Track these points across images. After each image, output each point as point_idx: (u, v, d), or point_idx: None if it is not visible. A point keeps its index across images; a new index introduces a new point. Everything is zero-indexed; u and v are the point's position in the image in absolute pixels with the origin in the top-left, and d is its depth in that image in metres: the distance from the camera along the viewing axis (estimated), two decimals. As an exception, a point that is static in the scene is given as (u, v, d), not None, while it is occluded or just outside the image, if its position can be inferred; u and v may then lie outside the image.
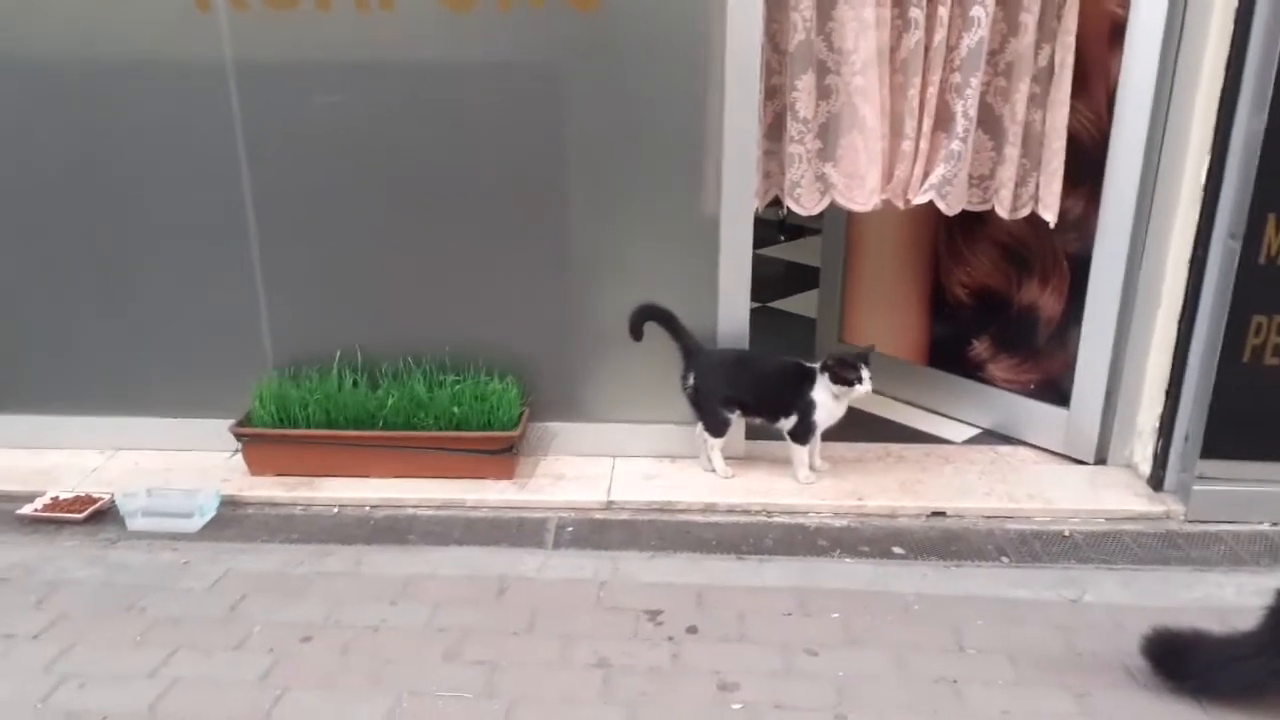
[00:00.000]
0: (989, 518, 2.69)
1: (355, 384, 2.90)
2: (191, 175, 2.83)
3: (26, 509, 2.72)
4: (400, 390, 2.86)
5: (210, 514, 2.70)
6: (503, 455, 2.84)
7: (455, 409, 2.83)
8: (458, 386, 2.87)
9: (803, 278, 4.68)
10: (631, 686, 2.05)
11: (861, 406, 3.32)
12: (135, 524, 2.65)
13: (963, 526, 2.66)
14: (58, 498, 2.77)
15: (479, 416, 2.84)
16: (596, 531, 2.66)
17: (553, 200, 2.81)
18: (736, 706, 2.00)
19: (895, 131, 2.74)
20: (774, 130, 2.82)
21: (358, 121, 2.77)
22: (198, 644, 2.19)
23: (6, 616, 2.29)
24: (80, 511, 2.69)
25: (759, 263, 2.87)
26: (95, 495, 2.76)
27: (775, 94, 2.78)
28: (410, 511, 2.76)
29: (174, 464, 2.95)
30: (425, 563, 2.51)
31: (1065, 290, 2.91)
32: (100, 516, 2.71)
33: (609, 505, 2.77)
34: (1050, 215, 2.75)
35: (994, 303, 3.09)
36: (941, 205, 2.73)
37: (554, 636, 2.21)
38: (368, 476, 2.85)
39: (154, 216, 2.87)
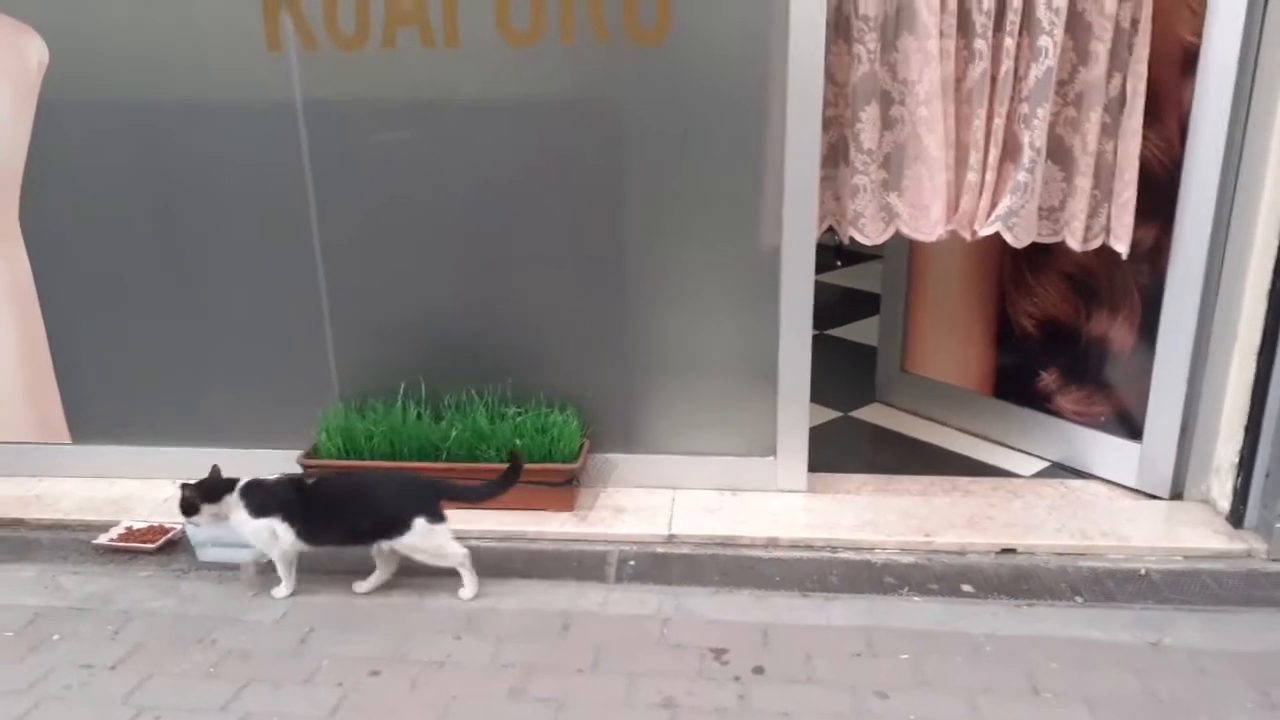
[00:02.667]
0: (1060, 555, 2.63)
1: (419, 416, 2.93)
2: (261, 212, 2.89)
3: (102, 539, 2.79)
4: (463, 422, 2.88)
5: (278, 545, 2.73)
6: (563, 487, 2.85)
7: (517, 440, 2.84)
8: (519, 418, 2.88)
9: (862, 304, 4.64)
10: (699, 727, 2.04)
11: (926, 438, 3.31)
12: (205, 555, 2.70)
13: (1033, 564, 2.60)
14: (131, 528, 2.83)
15: (540, 448, 2.85)
16: (658, 566, 2.65)
17: (613, 232, 2.82)
18: (806, 751, 1.97)
19: (961, 163, 2.71)
20: (829, 160, 2.80)
21: (422, 157, 2.81)
22: (268, 677, 2.22)
23: (86, 646, 2.34)
24: (153, 541, 2.75)
25: (816, 289, 2.84)
26: (167, 525, 2.82)
27: (830, 125, 2.77)
28: (472, 543, 2.75)
29: (243, 494, 3.00)
30: (488, 596, 2.52)
31: (1137, 322, 2.84)
32: (172, 546, 2.77)
33: (670, 539, 2.76)
34: (1122, 247, 2.70)
35: (1062, 334, 3.03)
36: (1008, 237, 2.69)
37: (619, 674, 2.20)
38: (431, 508, 2.87)
39: (224, 252, 2.95)
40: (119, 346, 3.06)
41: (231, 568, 2.65)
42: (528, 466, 2.79)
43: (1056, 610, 2.41)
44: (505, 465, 2.78)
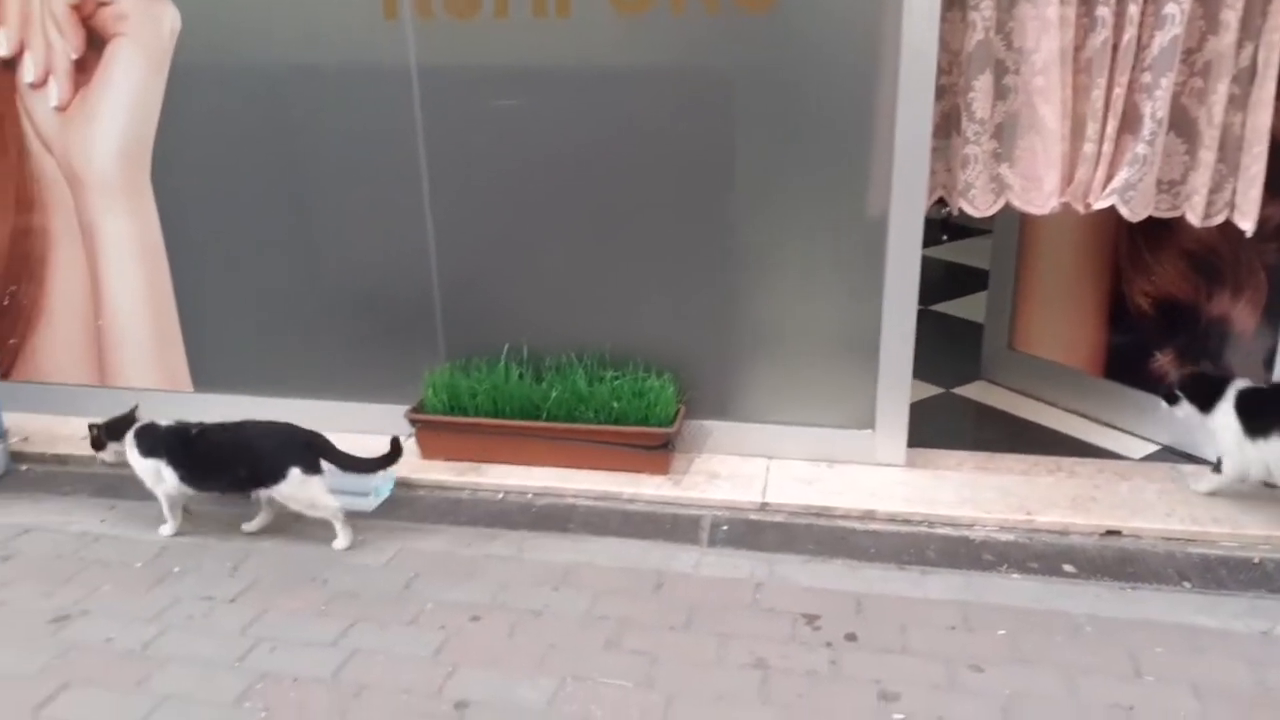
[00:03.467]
0: (1169, 539, 2.55)
1: (521, 376, 3.00)
2: (375, 174, 2.98)
3: (223, 482, 2.94)
4: (563, 384, 2.94)
5: (385, 494, 2.85)
6: (659, 451, 2.88)
7: (614, 403, 2.89)
8: (617, 382, 2.93)
9: (967, 280, 4.54)
10: (789, 689, 2.05)
11: (1031, 417, 3.24)
12: (318, 501, 2.82)
13: (1139, 547, 2.53)
14: (249, 473, 2.97)
15: (637, 412, 2.89)
16: (751, 532, 2.67)
17: (717, 200, 2.83)
18: (898, 717, 1.97)
19: (1077, 133, 2.62)
20: (940, 130, 2.75)
21: (530, 124, 2.86)
22: (374, 618, 2.32)
23: (207, 580, 2.49)
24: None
25: (921, 264, 2.80)
26: (282, 472, 2.95)
27: (944, 94, 2.71)
28: (569, 501, 2.84)
29: (352, 446, 3.10)
30: (584, 552, 2.57)
31: (1261, 303, 2.72)
32: (286, 492, 2.90)
33: (764, 507, 2.77)
34: (1248, 224, 2.58)
35: (1180, 314, 2.92)
36: (1124, 211, 2.60)
37: (711, 634, 2.23)
38: (530, 465, 2.94)
39: (339, 213, 3.05)
40: (239, 301, 3.21)
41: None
42: (624, 429, 2.85)
43: (1163, 595, 2.34)
44: (602, 427, 2.85)
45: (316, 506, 2.60)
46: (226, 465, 2.62)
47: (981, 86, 2.62)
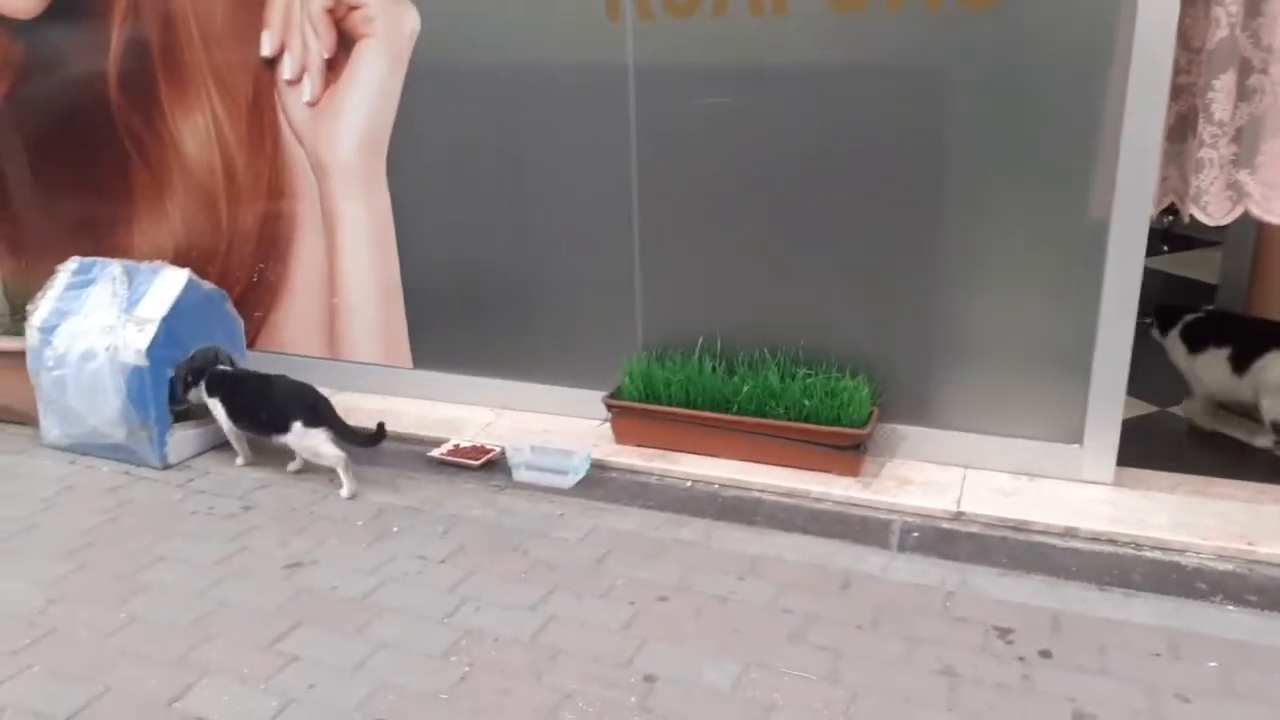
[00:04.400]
0: None
1: (714, 369, 3.06)
2: (588, 170, 3.12)
3: (435, 452, 3.16)
4: (755, 379, 2.98)
5: (582, 474, 2.98)
6: (850, 452, 2.87)
7: (806, 401, 2.90)
8: (810, 380, 2.94)
9: (1188, 293, 4.24)
10: (978, 699, 2.02)
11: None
12: (520, 475, 2.99)
13: (1381, 590, 2.32)
14: (458, 445, 3.19)
15: (829, 411, 2.89)
16: (943, 540, 2.62)
17: (925, 200, 2.79)
18: (1094, 739, 1.90)
19: (1330, 137, 2.43)
20: (1175, 132, 2.61)
21: (740, 122, 2.91)
22: (570, 587, 2.44)
23: (420, 541, 2.69)
24: (476, 459, 3.09)
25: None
26: (488, 446, 3.15)
27: (1181, 94, 2.57)
28: (756, 495, 2.88)
29: (552, 426, 3.29)
30: (771, 545, 2.61)
31: None
32: (491, 465, 3.09)
33: (958, 516, 2.71)
34: None
35: None
36: (1384, 223, 2.39)
37: (898, 637, 2.22)
38: (718, 456, 3.00)
39: (553, 205, 3.21)
40: (457, 286, 3.43)
41: (542, 489, 2.93)
42: (814, 427, 2.86)
43: (1407, 643, 2.14)
44: (793, 424, 2.87)
45: (319, 455, 2.97)
46: (252, 410, 3.08)
47: (1223, 86, 2.47)
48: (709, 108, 2.94)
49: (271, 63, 3.43)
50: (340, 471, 2.96)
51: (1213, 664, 2.10)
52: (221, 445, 3.29)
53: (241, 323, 3.39)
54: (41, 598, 2.49)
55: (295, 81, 3.42)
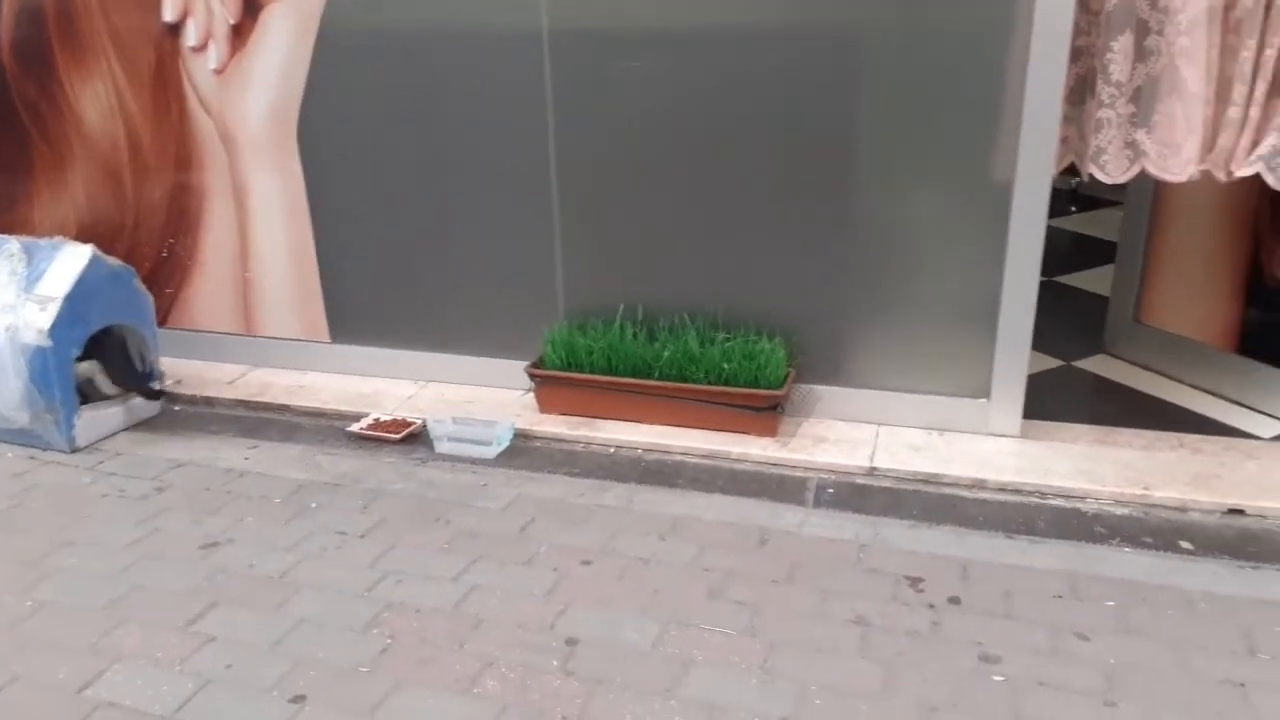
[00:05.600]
0: (1298, 522, 2.46)
1: (635, 336, 3.08)
2: (504, 136, 3.09)
3: (354, 427, 3.13)
4: (675, 344, 3.01)
5: (505, 444, 2.98)
6: (767, 413, 2.92)
7: (725, 365, 2.94)
8: (728, 344, 2.97)
9: (1096, 252, 4.39)
10: (890, 646, 2.09)
11: (1155, 393, 3.14)
12: (442, 447, 2.98)
13: (1264, 528, 2.45)
14: (379, 419, 3.16)
15: (747, 374, 2.93)
16: (857, 495, 2.69)
17: (836, 164, 2.83)
18: (998, 678, 1.98)
19: (1221, 97, 2.52)
20: (1074, 94, 2.68)
21: (653, 86, 2.91)
22: (493, 556, 2.45)
23: (340, 516, 2.66)
24: (397, 433, 3.07)
25: (1048, 234, 2.74)
26: (410, 420, 3.13)
27: (1080, 56, 2.64)
28: (678, 458, 2.91)
29: (475, 397, 3.28)
30: (691, 506, 2.65)
31: None
32: (413, 439, 3.07)
33: (871, 471, 2.78)
34: (1405, 192, 2.44)
35: (1324, 288, 2.79)
36: (1270, 179, 2.49)
37: (813, 590, 2.28)
38: (641, 422, 3.03)
39: (469, 174, 3.18)
40: (374, 257, 3.38)
41: (465, 460, 2.92)
42: (733, 390, 2.90)
43: (1288, 577, 2.27)
44: (712, 387, 2.91)
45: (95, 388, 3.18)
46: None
47: (1120, 47, 2.54)
48: (625, 72, 2.93)
49: (175, 29, 3.32)
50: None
51: (1110, 603, 2.20)
52: (133, 427, 3.22)
53: (151, 299, 3.29)
54: (-56, 588, 2.41)
55: (200, 48, 3.31)
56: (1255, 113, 2.49)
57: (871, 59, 2.71)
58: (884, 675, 2.00)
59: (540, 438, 3.04)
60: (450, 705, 1.96)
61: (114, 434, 3.18)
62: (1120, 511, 2.55)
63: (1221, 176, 2.58)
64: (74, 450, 3.07)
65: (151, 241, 3.61)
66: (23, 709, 2.01)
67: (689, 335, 3.01)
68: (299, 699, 2.00)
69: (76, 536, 2.61)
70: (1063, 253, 4.51)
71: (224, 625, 2.24)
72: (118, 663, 2.13)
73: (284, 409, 3.32)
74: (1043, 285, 2.75)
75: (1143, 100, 2.60)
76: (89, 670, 2.11)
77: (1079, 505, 2.58)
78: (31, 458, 3.05)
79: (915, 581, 2.30)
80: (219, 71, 3.31)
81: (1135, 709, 1.89)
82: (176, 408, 3.38)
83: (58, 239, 3.17)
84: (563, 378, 3.08)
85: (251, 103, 3.31)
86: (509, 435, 3.01)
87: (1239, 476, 2.63)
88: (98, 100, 3.49)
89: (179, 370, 3.53)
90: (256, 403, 3.35)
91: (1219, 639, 2.06)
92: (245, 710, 1.98)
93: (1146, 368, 3.29)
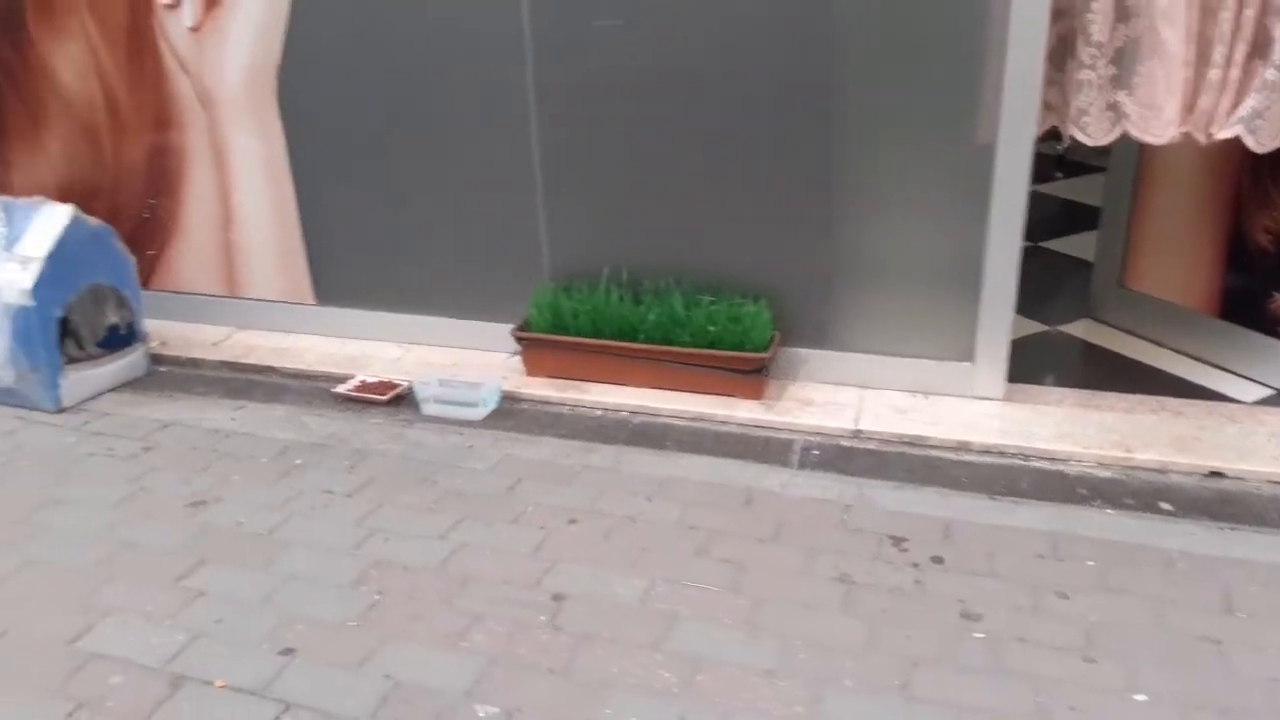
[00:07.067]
0: (1276, 483, 2.49)
1: (620, 299, 3.07)
2: (484, 94, 3.06)
3: (340, 388, 3.13)
4: (661, 307, 3.01)
5: (492, 406, 2.99)
6: (753, 376, 2.93)
7: (710, 328, 2.95)
8: (714, 307, 2.98)
9: (1081, 217, 4.40)
10: (872, 603, 2.11)
11: (1138, 357, 3.17)
12: (428, 409, 2.98)
13: (1243, 489, 2.49)
14: (365, 381, 3.16)
15: (732, 337, 2.94)
16: (842, 457, 2.71)
17: (818, 126, 2.82)
18: (979, 635, 2.01)
19: (1202, 59, 2.52)
20: (1056, 57, 2.67)
21: (633, 44, 2.88)
22: (480, 515, 2.46)
23: (327, 476, 2.67)
24: (383, 394, 3.07)
25: (1033, 200, 2.76)
26: (396, 381, 3.13)
27: (1060, 16, 2.63)
28: (664, 420, 2.92)
29: (461, 360, 3.28)
30: (677, 467, 2.67)
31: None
32: (399, 400, 3.07)
33: (856, 434, 2.80)
34: (1387, 156, 2.46)
35: (1305, 253, 2.81)
36: (1250, 141, 2.50)
37: (798, 548, 2.31)
38: (628, 385, 3.04)
39: (450, 134, 3.15)
40: (357, 219, 3.36)
41: (451, 422, 2.93)
42: (718, 353, 2.91)
43: (1263, 537, 2.30)
44: (697, 350, 2.91)
45: None
46: None
47: (1101, 8, 2.54)
48: (605, 31, 2.90)
49: (150, -14, 3.27)
50: None
51: (1091, 563, 2.23)
52: (119, 387, 3.20)
53: (133, 260, 3.27)
54: (-71, 546, 2.41)
55: (174, 5, 3.26)
56: (1235, 74, 2.49)
57: (852, 17, 2.69)
58: (867, 631, 2.03)
59: (527, 400, 3.05)
60: (439, 659, 1.98)
61: (100, 394, 3.17)
62: (1102, 474, 2.58)
63: (1202, 139, 2.58)
64: (60, 410, 3.06)
65: (132, 203, 3.57)
66: (16, 660, 2.02)
67: (674, 298, 3.01)
68: (288, 651, 2.02)
69: (64, 495, 2.61)
70: (1049, 218, 4.52)
71: (213, 581, 2.25)
72: (109, 617, 2.14)
73: (270, 371, 3.31)
74: (1028, 250, 2.77)
75: (1124, 61, 2.60)
76: (80, 624, 2.11)
77: (1062, 467, 2.61)
78: (19, 418, 3.04)
79: (899, 541, 2.33)
80: (195, 30, 3.27)
81: (1114, 665, 1.93)
82: (162, 369, 3.37)
83: (37, 199, 3.14)
84: (549, 340, 3.08)
85: (229, 62, 3.27)
86: (495, 397, 3.01)
87: (1219, 439, 2.66)
88: (72, 59, 3.44)
89: (164, 332, 3.52)
90: (242, 364, 3.34)
91: (1196, 597, 2.10)
92: (236, 662, 1.99)
93: (1130, 332, 3.31)
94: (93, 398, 3.15)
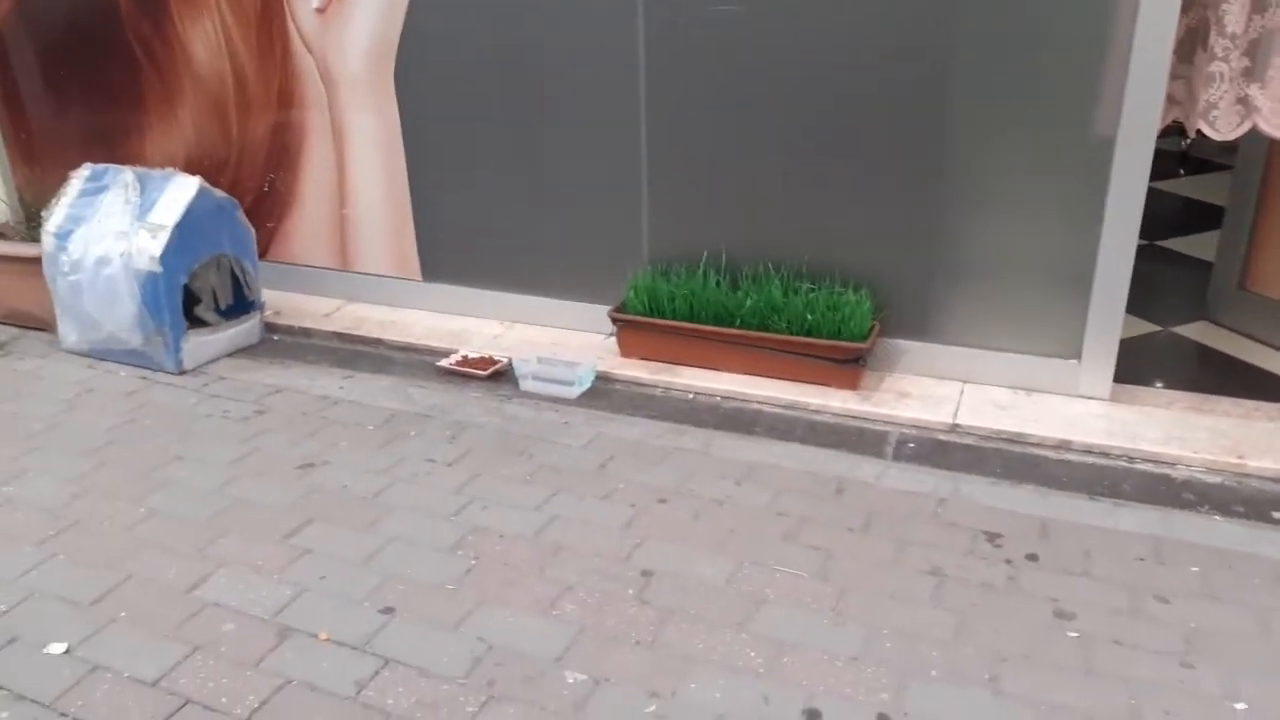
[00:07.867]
0: (1401, 499, 2.37)
1: (718, 284, 3.09)
2: (595, 82, 3.11)
3: (444, 362, 3.22)
4: (758, 293, 3.01)
5: (587, 385, 3.04)
6: (850, 365, 2.92)
7: (808, 316, 2.94)
8: (812, 294, 2.97)
9: (1203, 216, 4.23)
10: (963, 597, 2.09)
11: (1257, 362, 3.04)
12: (526, 385, 3.05)
13: (1365, 504, 2.37)
14: (467, 356, 3.25)
15: (830, 325, 2.92)
16: (938, 451, 2.68)
17: (930, 117, 2.78)
18: (1072, 634, 1.97)
19: (1345, 52, 2.40)
20: (1183, 49, 2.58)
21: (746, 33, 2.89)
22: (574, 490, 2.52)
23: (429, 445, 2.76)
24: (484, 370, 3.15)
25: (1153, 197, 2.66)
26: (496, 358, 3.21)
27: (1190, 7, 2.54)
28: (756, 406, 2.93)
29: (559, 339, 3.34)
30: (768, 453, 2.67)
31: None
32: (499, 376, 3.15)
33: (954, 428, 2.76)
34: None
35: None
36: (1394, 139, 2.38)
37: (888, 539, 2.29)
38: (721, 370, 3.05)
39: (560, 118, 3.21)
40: (466, 198, 3.45)
41: (547, 399, 2.99)
42: (816, 341, 2.90)
43: (1385, 554, 2.20)
44: (794, 338, 2.91)
45: None
46: None
47: (1237, -1, 2.44)
48: (717, 17, 2.91)
49: (279, -31, 3.41)
50: None
51: (1194, 569, 2.16)
52: (236, 353, 3.37)
53: (253, 232, 3.43)
54: (65, 492, 2.58)
55: (303, -12, 3.40)
56: (1383, 69, 2.37)
57: (968, 8, 2.64)
58: (956, 624, 2.02)
59: (621, 381, 3.09)
60: (530, 625, 2.05)
61: (217, 359, 3.34)
62: (1211, 479, 2.49)
63: (1342, 136, 2.46)
64: (181, 372, 3.23)
65: (254, 176, 3.74)
66: (138, 604, 2.16)
67: (772, 285, 3.01)
68: (388, 610, 2.11)
69: (184, 452, 2.77)
70: (1168, 216, 4.35)
71: (319, 540, 2.36)
72: (222, 568, 2.26)
73: (377, 343, 3.44)
74: (1145, 249, 2.69)
75: (1259, 54, 2.49)
76: (196, 573, 2.25)
77: (1168, 471, 2.53)
78: (143, 378, 3.23)
79: (993, 537, 2.29)
80: (321, 11, 3.40)
81: (1214, 672, 1.87)
82: (276, 337, 3.52)
83: (168, 170, 3.31)
84: (645, 323, 3.12)
85: (351, 43, 3.39)
86: (591, 376, 3.06)
87: (1340, 450, 2.54)
88: (206, 38, 3.61)
89: (278, 302, 3.68)
90: (351, 335, 3.48)
91: (1307, 609, 2.02)
92: (339, 617, 2.09)
93: (1249, 336, 3.18)
94: (211, 361, 3.32)
